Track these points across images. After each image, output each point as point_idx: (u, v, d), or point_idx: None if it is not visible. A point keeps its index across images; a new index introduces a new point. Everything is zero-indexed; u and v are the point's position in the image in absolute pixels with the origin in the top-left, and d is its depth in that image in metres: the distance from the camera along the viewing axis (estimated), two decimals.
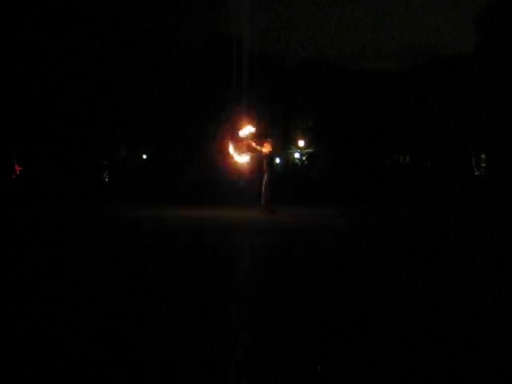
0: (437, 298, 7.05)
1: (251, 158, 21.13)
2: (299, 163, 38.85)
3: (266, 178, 20.48)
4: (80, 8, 32.06)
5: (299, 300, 6.91)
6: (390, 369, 4.58)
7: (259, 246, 11.75)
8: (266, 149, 20.56)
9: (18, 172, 36.69)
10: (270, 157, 21.41)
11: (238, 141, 20.96)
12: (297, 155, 40.11)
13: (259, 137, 21.01)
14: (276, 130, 35.94)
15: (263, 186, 20.46)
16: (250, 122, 21.40)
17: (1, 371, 4.61)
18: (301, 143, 39.27)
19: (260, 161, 21.11)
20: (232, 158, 21.16)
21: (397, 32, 55.25)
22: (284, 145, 39.69)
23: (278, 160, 38.94)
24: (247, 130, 20.92)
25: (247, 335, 5.65)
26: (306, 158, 38.54)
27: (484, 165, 34.00)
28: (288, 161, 39.89)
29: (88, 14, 32.43)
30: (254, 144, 20.86)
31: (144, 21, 34.79)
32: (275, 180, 23.03)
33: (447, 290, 7.46)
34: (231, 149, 20.93)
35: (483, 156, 34.24)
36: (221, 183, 28.73)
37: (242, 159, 21.00)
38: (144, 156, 39.89)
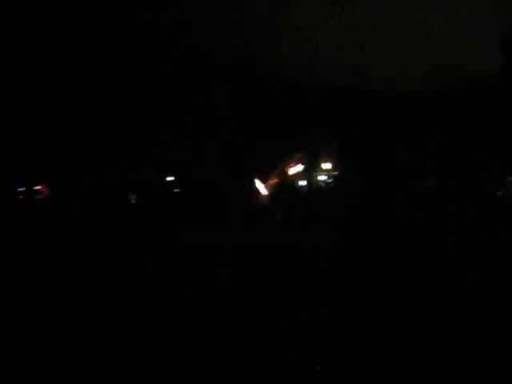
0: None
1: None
2: (323, 185, 38.87)
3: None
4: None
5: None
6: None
7: None
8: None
9: (47, 192, 37.17)
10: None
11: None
12: (322, 178, 40.14)
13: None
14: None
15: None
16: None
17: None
18: (326, 166, 39.35)
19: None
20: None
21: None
22: (309, 167, 39.68)
23: (304, 182, 38.90)
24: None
25: None
26: (332, 181, 38.52)
27: (510, 187, 33.64)
28: (312, 184, 39.86)
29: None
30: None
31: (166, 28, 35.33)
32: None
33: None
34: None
35: (510, 178, 33.88)
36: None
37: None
38: (171, 178, 39.98)
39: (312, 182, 39.45)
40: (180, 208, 29.81)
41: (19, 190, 37.32)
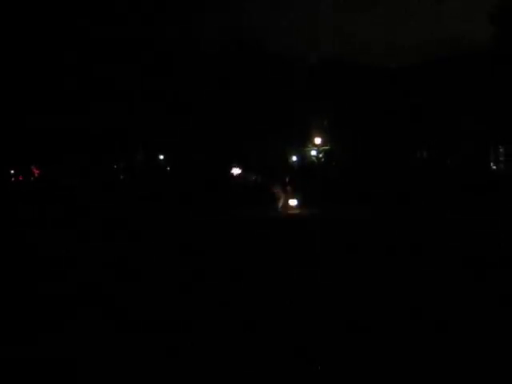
0: None
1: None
2: (316, 161, 38.69)
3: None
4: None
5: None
6: None
7: None
8: None
9: (36, 175, 37.55)
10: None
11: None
12: (313, 153, 39.98)
13: None
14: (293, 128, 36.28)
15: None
16: None
17: None
18: (317, 141, 39.21)
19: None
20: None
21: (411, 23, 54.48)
22: (301, 143, 39.67)
23: (294, 158, 38.83)
24: None
25: None
26: (323, 156, 38.35)
27: (502, 159, 33.49)
28: (304, 158, 39.69)
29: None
30: None
31: (161, 22, 35.27)
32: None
33: None
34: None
35: (501, 150, 33.70)
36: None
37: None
38: (161, 157, 40.14)
39: (304, 157, 39.46)
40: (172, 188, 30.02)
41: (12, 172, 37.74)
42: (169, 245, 11.42)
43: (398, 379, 4.49)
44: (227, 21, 38.35)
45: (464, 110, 32.98)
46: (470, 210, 19.09)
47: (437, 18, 52.24)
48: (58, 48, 32.24)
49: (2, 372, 4.72)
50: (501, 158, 34.19)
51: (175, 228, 15.09)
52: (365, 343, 5.22)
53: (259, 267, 8.79)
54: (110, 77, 32.42)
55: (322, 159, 37.89)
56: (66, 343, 5.39)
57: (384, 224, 15.63)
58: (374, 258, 9.60)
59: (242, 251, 10.33)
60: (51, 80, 32.30)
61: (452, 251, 10.20)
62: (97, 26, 32.52)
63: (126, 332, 5.79)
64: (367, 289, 7.32)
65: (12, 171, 38.00)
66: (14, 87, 32.06)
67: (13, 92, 32.02)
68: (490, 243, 11.00)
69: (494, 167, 34.16)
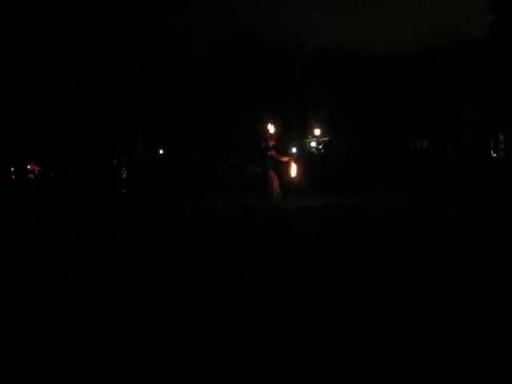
0: None
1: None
2: (316, 152, 38.67)
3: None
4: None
5: None
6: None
7: None
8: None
9: (36, 172, 37.72)
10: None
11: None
12: (313, 144, 39.99)
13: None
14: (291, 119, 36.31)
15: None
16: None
17: None
18: (317, 132, 39.28)
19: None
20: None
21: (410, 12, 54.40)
22: (300, 134, 39.81)
23: (294, 149, 38.84)
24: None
25: None
26: (322, 147, 38.34)
27: (502, 146, 33.48)
28: (304, 150, 39.69)
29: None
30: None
31: (160, 19, 35.36)
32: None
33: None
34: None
35: (501, 137, 33.69)
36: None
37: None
38: (160, 151, 40.32)
39: (304, 148, 39.49)
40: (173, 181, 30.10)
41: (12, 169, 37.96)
42: (169, 244, 11.40)
43: (398, 379, 4.48)
44: (227, 20, 38.56)
45: (464, 99, 32.96)
46: (471, 203, 19.05)
47: (435, 9, 52.24)
48: (57, 48, 32.31)
49: (2, 372, 4.72)
50: (501, 146, 34.18)
51: (175, 227, 15.08)
52: (365, 343, 5.22)
53: (259, 267, 8.77)
54: (110, 77, 32.49)
55: (322, 150, 37.89)
56: (66, 343, 5.38)
57: (383, 221, 15.59)
58: (374, 256, 9.57)
59: (242, 251, 10.28)
60: (51, 80, 32.36)
61: (453, 247, 10.17)
62: (97, 26, 32.55)
63: (126, 332, 5.78)
64: (367, 289, 7.30)
65: (12, 169, 38.17)
66: (13, 87, 32.11)
67: (12, 92, 32.08)
68: (492, 239, 10.97)
69: (495, 155, 34.17)
